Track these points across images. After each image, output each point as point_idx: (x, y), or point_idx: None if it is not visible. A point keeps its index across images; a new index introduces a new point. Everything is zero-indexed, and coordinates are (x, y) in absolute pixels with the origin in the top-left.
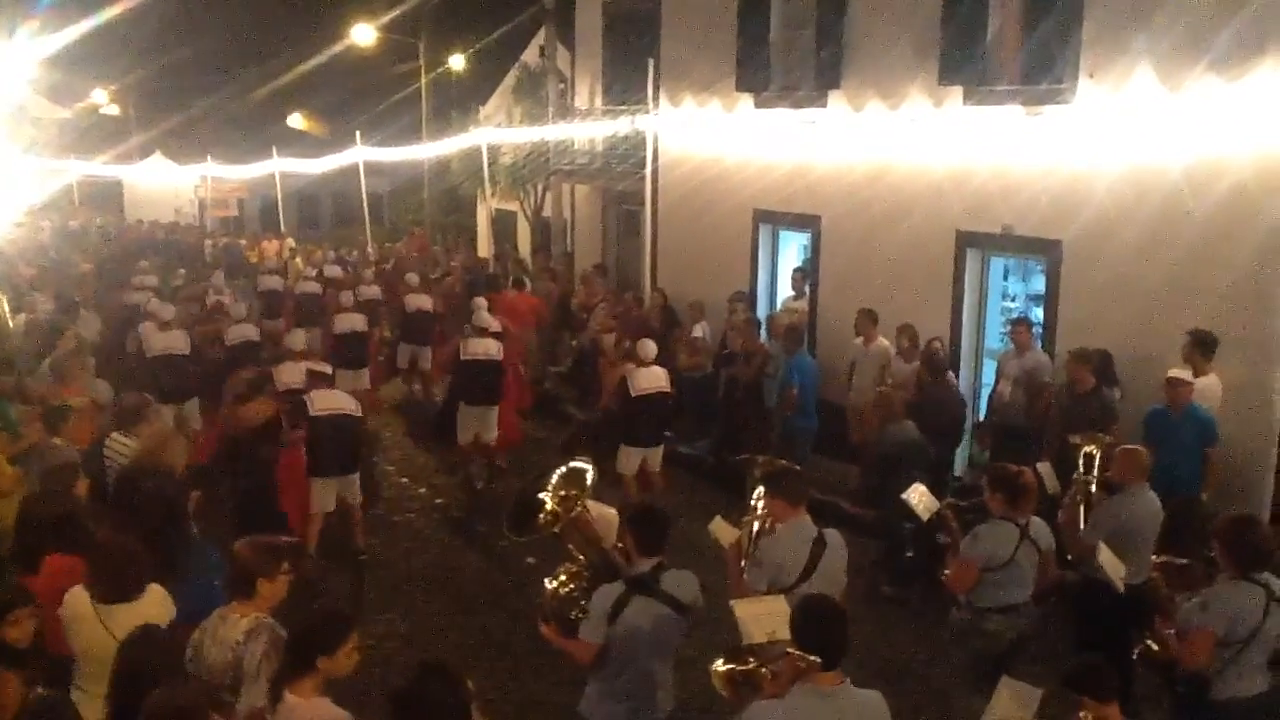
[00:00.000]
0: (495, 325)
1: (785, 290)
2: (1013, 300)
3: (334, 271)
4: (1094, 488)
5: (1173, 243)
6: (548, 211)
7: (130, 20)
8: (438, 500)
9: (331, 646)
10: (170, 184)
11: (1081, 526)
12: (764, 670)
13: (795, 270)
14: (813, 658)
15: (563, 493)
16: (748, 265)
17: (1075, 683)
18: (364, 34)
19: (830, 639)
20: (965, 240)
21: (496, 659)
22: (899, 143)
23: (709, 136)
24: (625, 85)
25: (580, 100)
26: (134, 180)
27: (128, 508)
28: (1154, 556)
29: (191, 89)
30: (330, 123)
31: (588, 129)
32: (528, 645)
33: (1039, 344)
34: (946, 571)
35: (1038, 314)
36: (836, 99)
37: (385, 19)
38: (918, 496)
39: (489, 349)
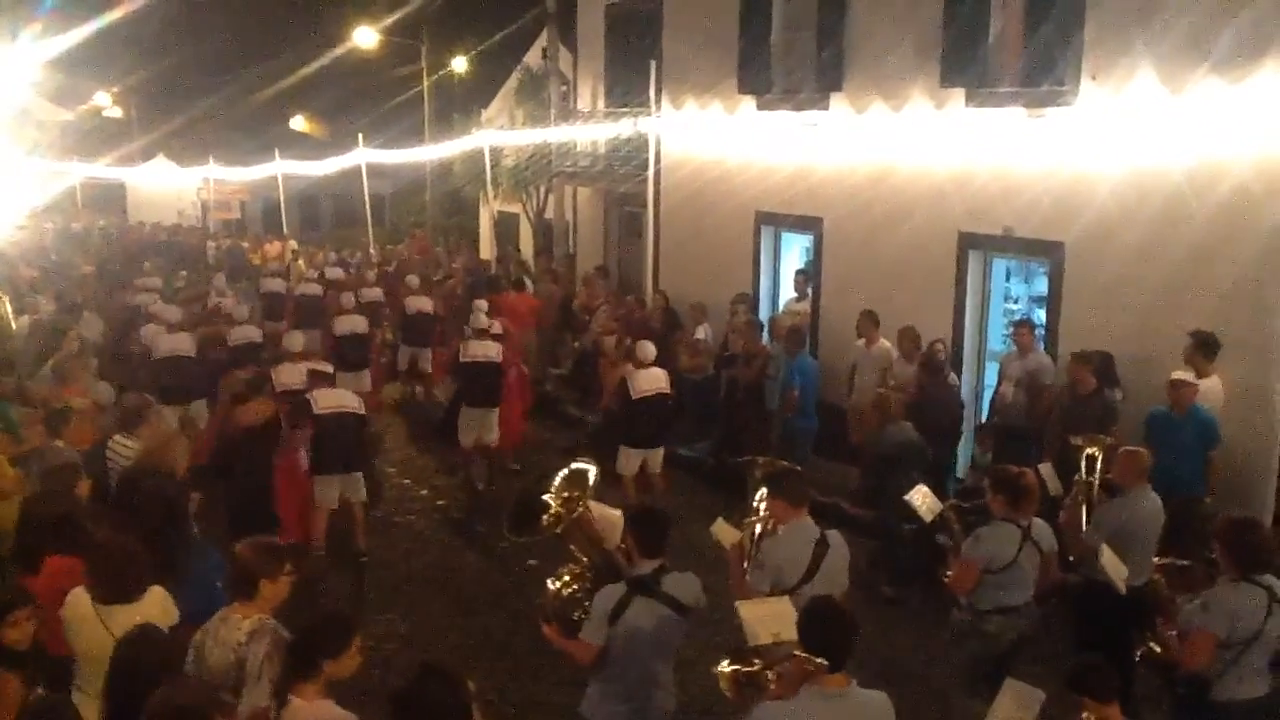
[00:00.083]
0: (495, 327)
1: (787, 292)
2: (1015, 302)
3: (335, 273)
4: (1095, 489)
5: (1174, 244)
6: (550, 213)
7: (133, 23)
8: (439, 501)
9: (336, 649)
10: (173, 186)
11: (1083, 528)
12: (769, 672)
13: (797, 272)
14: (820, 660)
15: (565, 494)
16: (749, 267)
17: (1076, 683)
18: (366, 36)
19: (837, 641)
20: (967, 242)
21: (497, 660)
22: (901, 145)
23: (711, 138)
24: (627, 87)
25: (582, 102)
26: (136, 182)
27: (129, 509)
28: (1155, 558)
29: (194, 91)
30: (332, 125)
31: (590, 131)
32: (528, 646)
33: (1041, 346)
34: (948, 573)
35: (1040, 316)
36: (838, 101)
37: (387, 21)
38: (921, 498)
39: (489, 351)
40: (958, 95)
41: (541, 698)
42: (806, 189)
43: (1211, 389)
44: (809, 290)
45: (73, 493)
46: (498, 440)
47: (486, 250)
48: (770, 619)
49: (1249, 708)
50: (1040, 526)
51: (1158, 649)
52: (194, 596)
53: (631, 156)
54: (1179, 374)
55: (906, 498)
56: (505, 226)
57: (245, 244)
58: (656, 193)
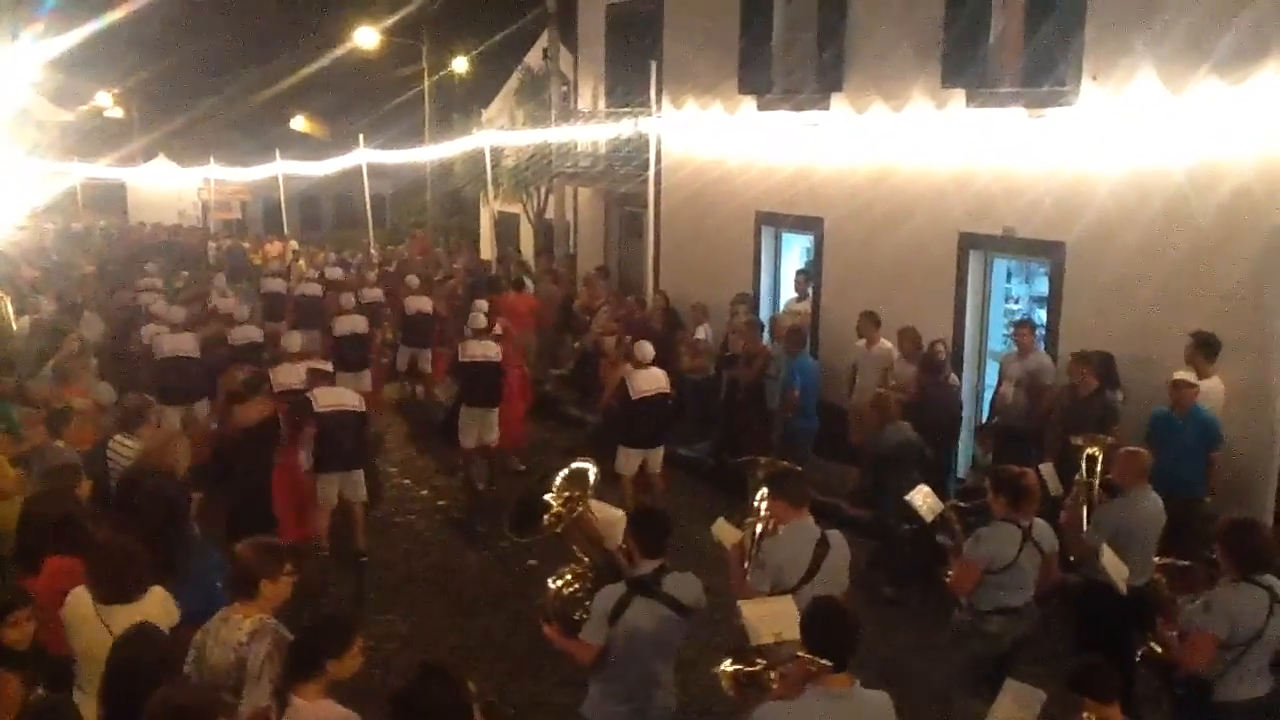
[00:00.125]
0: (496, 327)
1: (787, 292)
2: (1015, 302)
3: (335, 273)
4: (1096, 489)
5: (1175, 245)
6: (550, 214)
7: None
8: (439, 502)
9: (339, 649)
10: (173, 186)
11: (1084, 528)
12: (771, 672)
13: (798, 272)
14: (824, 661)
15: (566, 494)
16: (750, 267)
17: (1077, 683)
18: (367, 37)
19: (840, 641)
20: (968, 242)
21: (497, 660)
22: (902, 145)
23: (711, 139)
24: (628, 88)
25: (583, 103)
26: (137, 183)
27: (129, 509)
28: (1155, 558)
29: (194, 91)
30: (333, 125)
31: (590, 131)
32: (528, 646)
33: (1041, 346)
34: (949, 573)
35: (1040, 316)
36: (839, 101)
37: (388, 22)
38: (922, 498)
39: (488, 350)
40: (958, 95)
41: (542, 698)
42: (807, 189)
43: (1213, 389)
44: (809, 290)
45: (73, 493)
46: (498, 440)
47: (487, 250)
48: (772, 618)
49: (1249, 708)
50: (1041, 527)
51: (1158, 649)
52: (195, 596)
53: (632, 157)
54: (1180, 374)
55: (907, 498)
56: (506, 227)
57: (246, 244)
58: (657, 193)
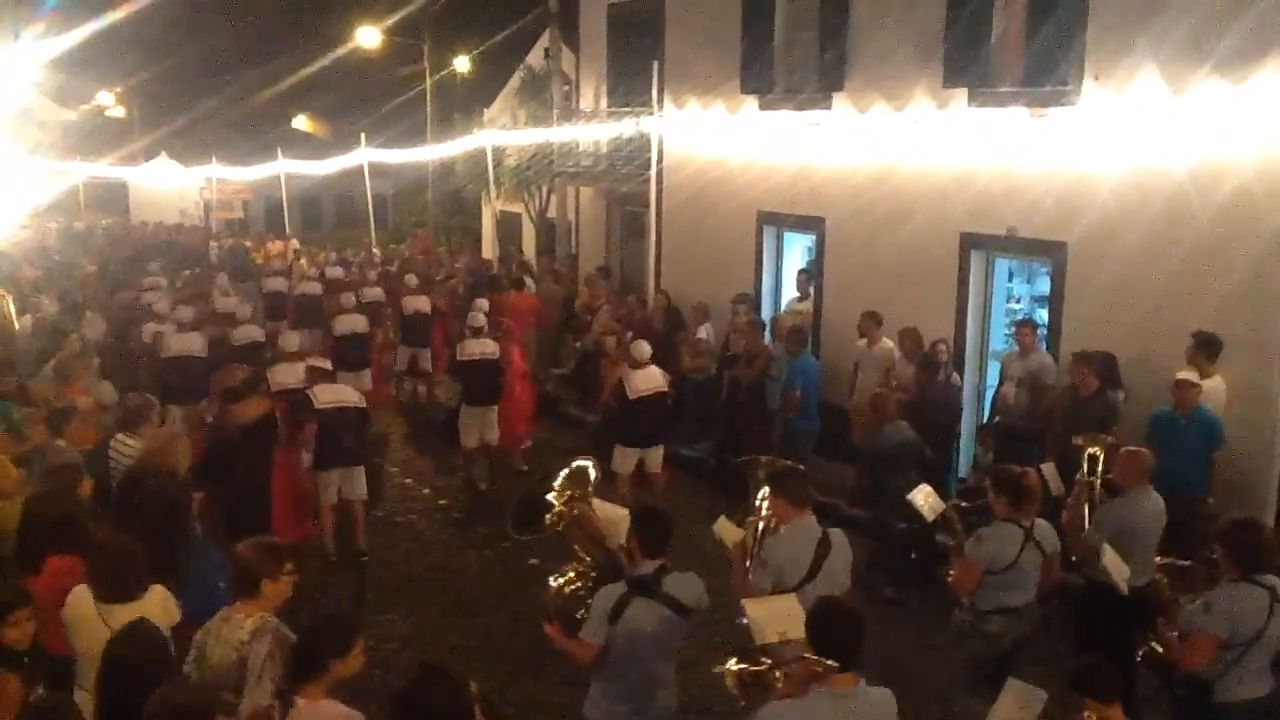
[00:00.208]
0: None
1: (789, 292)
2: (1017, 302)
3: (335, 272)
4: (1097, 489)
5: (1177, 245)
6: (552, 213)
7: (135, 23)
8: (440, 501)
9: (342, 649)
10: (175, 186)
11: (1085, 528)
12: (776, 671)
13: (800, 271)
14: (830, 662)
15: (568, 493)
16: (752, 267)
17: (1079, 683)
18: (368, 36)
19: (846, 642)
20: (970, 242)
21: (497, 660)
22: (903, 145)
23: (713, 138)
24: (629, 87)
25: (585, 102)
26: (139, 182)
27: (130, 508)
28: (1156, 558)
29: (196, 91)
30: (335, 124)
31: (592, 131)
32: (529, 646)
33: (1043, 346)
34: (950, 573)
35: (1042, 316)
36: (841, 101)
37: (390, 21)
38: (923, 498)
39: (485, 349)
40: (960, 95)
41: (542, 698)
42: (809, 189)
43: (1214, 389)
44: (811, 289)
45: (75, 493)
46: (498, 439)
47: (489, 250)
48: (777, 617)
49: (1249, 708)
50: (1043, 527)
51: (1159, 649)
52: (196, 596)
53: (634, 156)
54: (1183, 375)
55: (909, 497)
56: (507, 226)
57: (248, 243)
58: (659, 193)
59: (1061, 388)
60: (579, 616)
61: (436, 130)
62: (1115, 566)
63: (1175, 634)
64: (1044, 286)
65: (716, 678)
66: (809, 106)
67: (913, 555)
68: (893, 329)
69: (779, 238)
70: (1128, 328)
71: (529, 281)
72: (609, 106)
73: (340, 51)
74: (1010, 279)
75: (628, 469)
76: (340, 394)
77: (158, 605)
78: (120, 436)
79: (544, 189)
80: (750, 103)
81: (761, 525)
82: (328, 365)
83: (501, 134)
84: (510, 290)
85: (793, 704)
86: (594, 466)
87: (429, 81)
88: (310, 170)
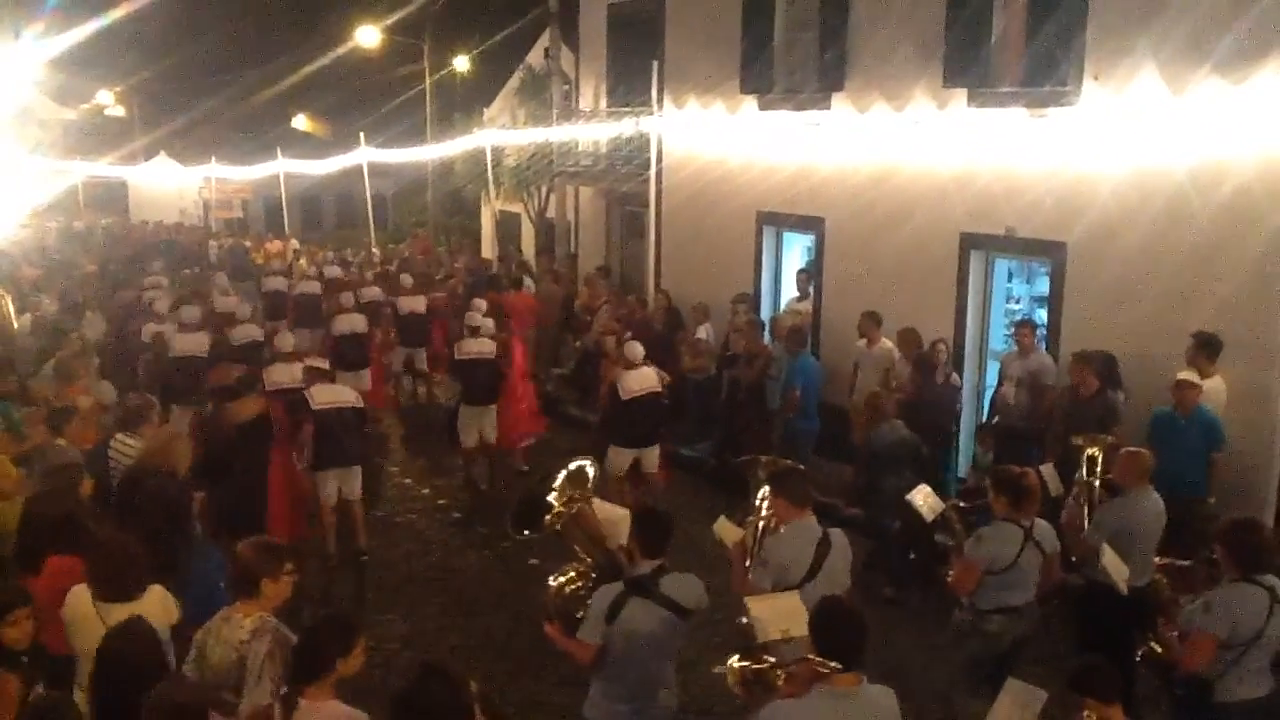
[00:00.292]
0: (488, 324)
1: (789, 292)
2: (1017, 302)
3: (333, 272)
4: (1097, 489)
5: (1177, 245)
6: (552, 213)
7: (135, 22)
8: (440, 501)
9: (346, 648)
10: (175, 185)
11: (1085, 528)
12: (778, 671)
13: (799, 271)
14: (834, 664)
15: (569, 493)
16: (751, 267)
17: (1079, 684)
18: (368, 36)
19: (849, 642)
20: (969, 242)
21: (497, 660)
22: (903, 145)
23: (713, 138)
24: (629, 87)
25: (584, 102)
26: (139, 181)
27: (131, 508)
28: (1156, 558)
29: (196, 90)
30: (334, 124)
31: (592, 131)
32: (529, 646)
33: (1043, 346)
34: (950, 573)
35: (1042, 316)
36: (840, 101)
37: (389, 20)
38: (923, 498)
39: (483, 348)
40: (960, 95)
41: (542, 698)
42: (808, 189)
43: (1215, 389)
44: (811, 289)
45: (75, 492)
46: (497, 438)
47: (488, 250)
48: (780, 615)
49: (1249, 708)
50: (1043, 527)
51: (1158, 649)
52: (196, 596)
53: (633, 156)
54: (1184, 375)
55: (908, 497)
56: (507, 226)
57: (248, 243)
58: (658, 192)
59: (1061, 388)
60: (579, 616)
61: (436, 130)
62: (1115, 567)
63: (1175, 634)
64: (1043, 287)
65: (717, 677)
66: (809, 106)
67: (912, 555)
68: (892, 329)
69: (778, 238)
70: (1127, 328)
71: (528, 281)
72: (608, 106)
73: (340, 51)
74: (1010, 279)
75: (621, 469)
76: (338, 394)
77: (157, 605)
78: (120, 436)
79: (543, 189)
80: (750, 103)
81: (762, 525)
82: (326, 365)
83: (501, 134)
84: (509, 290)
85: (796, 704)
86: (593, 466)
87: (429, 81)
88: (310, 170)
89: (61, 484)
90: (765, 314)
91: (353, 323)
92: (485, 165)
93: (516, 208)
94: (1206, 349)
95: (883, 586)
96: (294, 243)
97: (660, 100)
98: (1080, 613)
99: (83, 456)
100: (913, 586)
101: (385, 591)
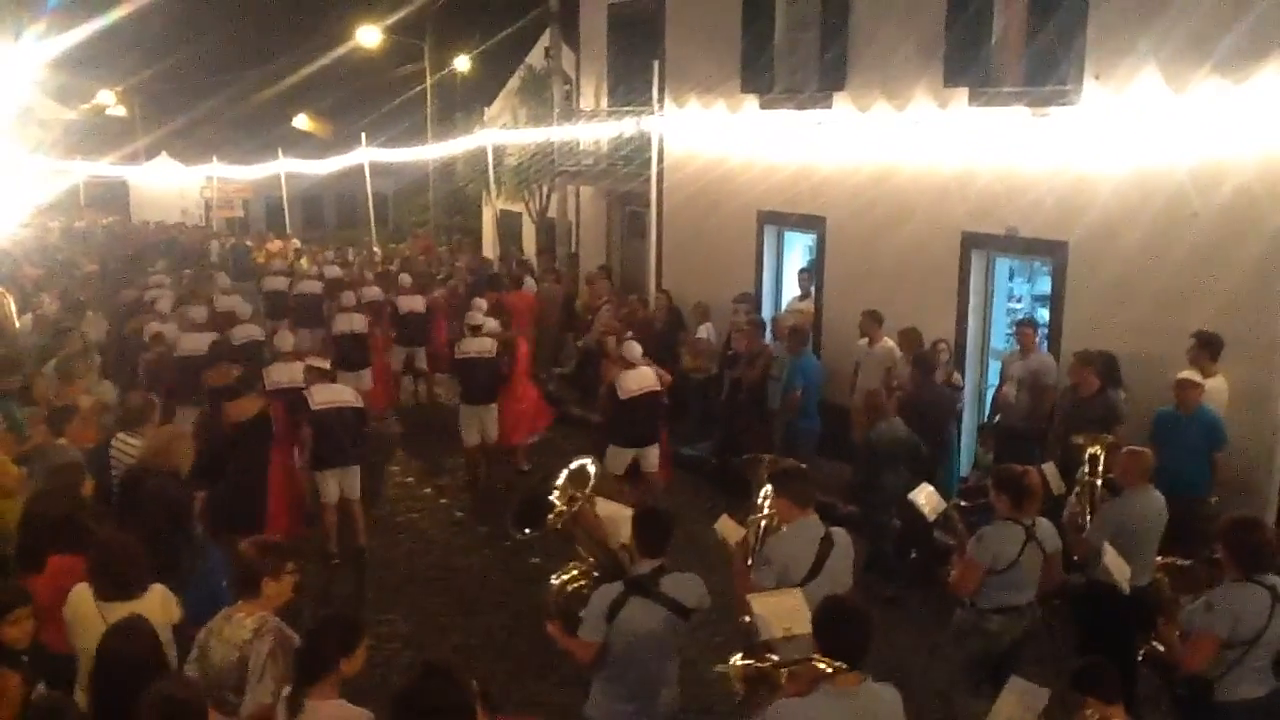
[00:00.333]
0: (492, 324)
1: (790, 291)
2: (1018, 301)
3: (333, 271)
4: (1098, 488)
5: (1178, 245)
6: (553, 213)
7: (136, 22)
8: (441, 500)
9: (351, 647)
10: (176, 185)
11: (1086, 527)
12: (782, 669)
13: (801, 271)
14: (839, 663)
15: (571, 492)
16: (752, 266)
17: (1081, 683)
18: (369, 35)
19: (854, 642)
20: (970, 242)
21: (499, 659)
22: (904, 144)
23: (714, 138)
24: (630, 86)
25: (585, 102)
26: (140, 181)
27: (132, 508)
28: (1158, 558)
29: (197, 90)
30: (335, 124)
31: (593, 130)
32: (530, 646)
33: (1044, 345)
34: (951, 572)
35: (1043, 315)
36: (841, 100)
37: (390, 20)
38: (925, 497)
39: (483, 346)
40: (961, 95)
41: (543, 698)
42: (809, 188)
43: (1216, 389)
44: (812, 289)
45: (77, 492)
46: (496, 436)
47: (489, 249)
48: (783, 613)
49: (1250, 707)
50: (1044, 526)
51: (1160, 648)
52: (198, 595)
53: (634, 156)
54: (1186, 374)
55: (910, 496)
56: (508, 226)
57: (249, 243)
58: (659, 192)
59: (1062, 388)
60: (581, 615)
61: (437, 129)
62: (1116, 566)
63: (1176, 633)
64: (1045, 286)
65: (718, 677)
66: (810, 106)
67: (913, 554)
68: (894, 328)
69: (780, 237)
70: (1129, 327)
71: (529, 280)
72: (609, 106)
73: (341, 51)
74: (1011, 278)
75: (620, 469)
76: (337, 394)
77: (158, 604)
78: (121, 436)
79: (544, 188)
80: (751, 102)
81: (764, 524)
82: (326, 365)
83: (502, 133)
84: (509, 289)
85: (800, 703)
86: (594, 464)
87: (429, 81)
88: (311, 169)
89: (63, 483)
90: (766, 313)
91: (353, 322)
92: (486, 165)
93: (517, 207)
94: (1208, 348)
95: (883, 586)
96: (295, 242)
97: (661, 100)
98: (1081, 612)
99: (84, 456)
100: (913, 586)
101: (386, 591)
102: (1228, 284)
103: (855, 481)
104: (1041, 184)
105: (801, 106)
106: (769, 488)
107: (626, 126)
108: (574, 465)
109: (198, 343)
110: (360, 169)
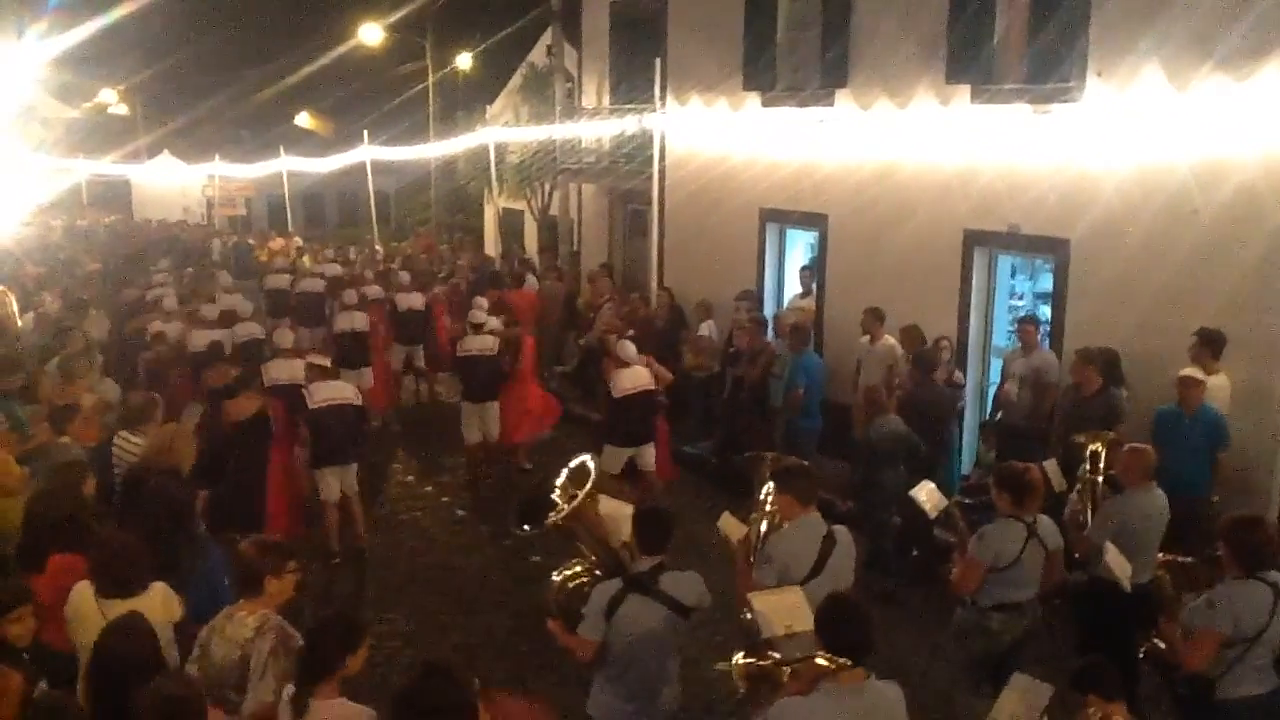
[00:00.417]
0: (494, 322)
1: (792, 289)
2: (1020, 299)
3: (333, 269)
4: (1100, 486)
5: (1180, 242)
6: (554, 211)
7: (138, 21)
8: (443, 499)
9: (354, 645)
10: (178, 183)
11: (1088, 525)
12: (784, 667)
13: (802, 268)
14: (842, 660)
15: (572, 490)
16: (754, 264)
17: (1082, 681)
18: (371, 33)
19: (857, 639)
20: (973, 239)
21: (499, 658)
22: (906, 141)
23: (716, 135)
24: (632, 84)
25: (587, 99)
26: (142, 179)
27: (134, 507)
28: (1160, 555)
29: (199, 88)
30: (337, 122)
31: (594, 128)
32: (531, 645)
33: (1046, 343)
34: (952, 570)
35: (1045, 313)
36: (844, 98)
37: (392, 18)
38: (926, 494)
39: (484, 345)
40: (963, 92)
41: (545, 696)
42: (811, 186)
43: (1219, 386)
44: (814, 286)
45: (78, 491)
46: (498, 435)
47: (491, 247)
48: (783, 611)
49: (1252, 705)
50: (1046, 524)
51: (1161, 646)
52: (199, 594)
53: (636, 153)
54: (1188, 372)
55: (911, 493)
56: (510, 224)
57: (251, 241)
58: (661, 190)
59: (1064, 385)
60: (582, 612)
61: (439, 127)
62: (1118, 564)
63: (1178, 631)
64: (1047, 283)
65: (720, 675)
66: (812, 103)
67: (914, 553)
68: (896, 326)
69: (781, 235)
70: (1131, 325)
71: (530, 278)
72: (611, 103)
73: (342, 49)
74: (1013, 276)
75: (616, 468)
76: (338, 391)
77: (158, 602)
78: (123, 434)
79: (546, 186)
80: (753, 99)
81: (766, 521)
82: (327, 362)
83: (504, 131)
84: (511, 287)
85: (804, 701)
86: (594, 461)
87: (431, 79)
88: (313, 168)
89: (65, 482)
90: (768, 311)
91: (354, 321)
92: (488, 163)
93: (519, 205)
94: (1210, 346)
95: (883, 584)
96: (297, 240)
97: (663, 97)
98: (1083, 610)
99: (86, 455)
100: (913, 584)
101: (387, 589)
102: (1230, 282)
103: (854, 478)
104: (1043, 181)
105: (803, 104)
106: (771, 485)
107: (628, 124)
108: (574, 463)
109: (209, 339)
110: (362, 167)
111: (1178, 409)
